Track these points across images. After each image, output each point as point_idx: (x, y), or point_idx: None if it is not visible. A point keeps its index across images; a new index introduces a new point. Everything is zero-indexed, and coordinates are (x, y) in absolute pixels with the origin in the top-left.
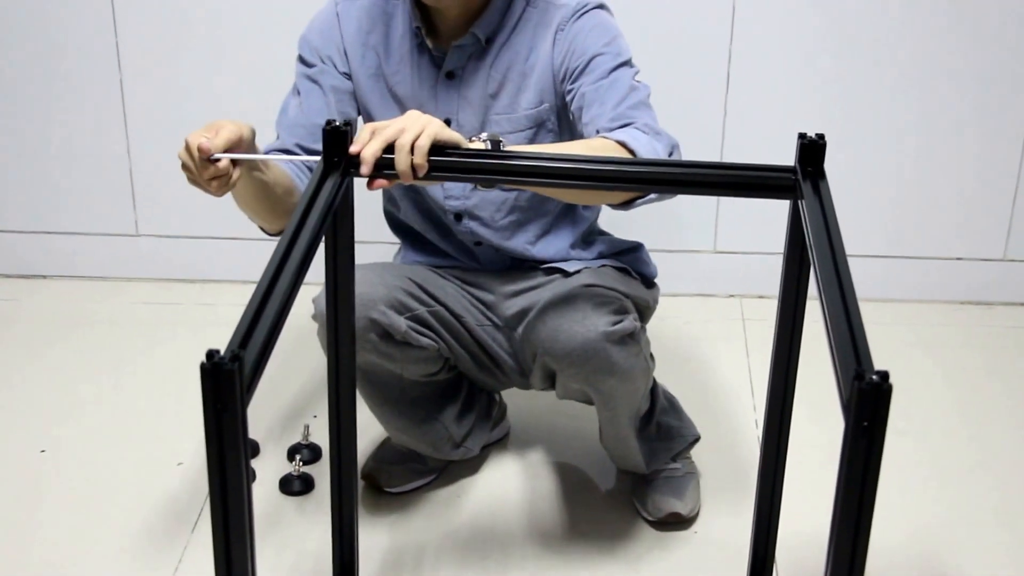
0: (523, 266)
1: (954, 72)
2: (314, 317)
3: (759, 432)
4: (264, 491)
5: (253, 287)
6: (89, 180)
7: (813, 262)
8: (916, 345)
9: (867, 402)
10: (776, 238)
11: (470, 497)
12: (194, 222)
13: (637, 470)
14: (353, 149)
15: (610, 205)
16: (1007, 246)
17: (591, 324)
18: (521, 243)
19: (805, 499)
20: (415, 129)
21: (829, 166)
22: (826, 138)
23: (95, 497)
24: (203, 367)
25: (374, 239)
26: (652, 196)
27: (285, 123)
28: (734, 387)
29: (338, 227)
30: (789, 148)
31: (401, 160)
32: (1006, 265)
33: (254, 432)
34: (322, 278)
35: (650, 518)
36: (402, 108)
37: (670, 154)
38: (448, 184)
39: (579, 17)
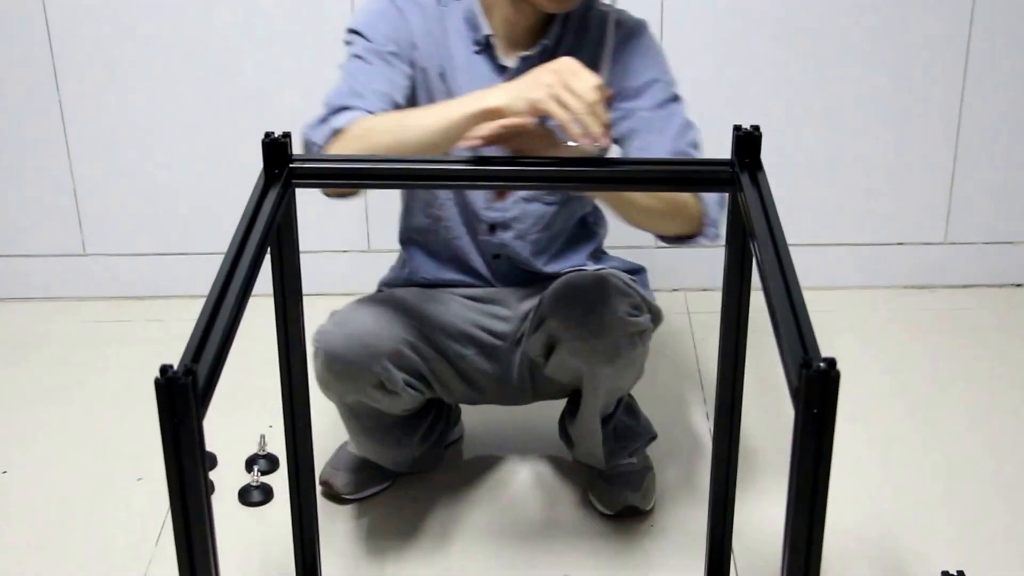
0: (535, 279)
1: (888, 58)
2: (316, 353)
3: (711, 424)
4: (224, 502)
5: (203, 301)
6: (34, 202)
7: (756, 253)
8: (862, 331)
9: (816, 390)
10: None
11: (428, 499)
12: (141, 239)
13: (596, 464)
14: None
15: (660, 237)
16: (947, 229)
17: (614, 304)
18: (544, 258)
19: (759, 487)
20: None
21: (766, 156)
22: (762, 129)
23: (58, 515)
24: (157, 382)
25: (318, 248)
26: (705, 240)
27: (364, 84)
28: (684, 381)
29: (282, 238)
30: (725, 141)
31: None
32: (947, 248)
33: (210, 444)
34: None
35: (607, 512)
36: None
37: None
38: (489, 194)
39: (636, 36)
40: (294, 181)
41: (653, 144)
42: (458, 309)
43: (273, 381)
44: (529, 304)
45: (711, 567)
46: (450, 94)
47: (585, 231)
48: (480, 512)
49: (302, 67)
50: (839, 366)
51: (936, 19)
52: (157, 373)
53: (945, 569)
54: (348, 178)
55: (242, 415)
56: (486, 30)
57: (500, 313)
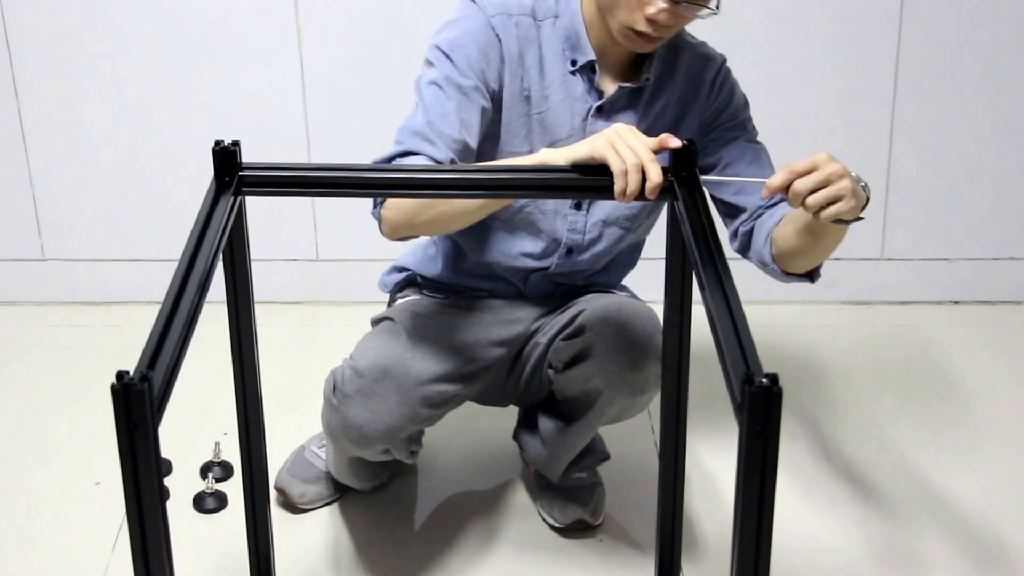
0: (559, 291)
1: (820, 73)
2: (333, 409)
3: (655, 438)
4: (178, 509)
5: (159, 307)
6: None
7: (696, 267)
8: (801, 347)
9: (759, 406)
10: (655, 243)
11: (380, 511)
12: (99, 245)
13: (551, 475)
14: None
15: (788, 275)
16: (883, 246)
17: (657, 343)
18: (593, 279)
19: (707, 503)
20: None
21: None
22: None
23: (15, 518)
24: (114, 388)
25: (268, 257)
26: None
27: (437, 127)
28: None
29: (234, 246)
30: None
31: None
32: (884, 264)
33: (165, 450)
34: (292, 294)
35: (556, 525)
36: (548, 135)
37: None
38: (572, 216)
39: (727, 73)
40: (244, 189)
41: (754, 176)
42: (478, 333)
43: (227, 388)
44: (543, 308)
45: None
46: (536, 114)
47: (633, 258)
48: (430, 524)
49: (256, 76)
50: (780, 382)
51: (865, 37)
52: (113, 379)
53: None
54: (298, 187)
55: (197, 422)
56: (590, 54)
57: (514, 316)
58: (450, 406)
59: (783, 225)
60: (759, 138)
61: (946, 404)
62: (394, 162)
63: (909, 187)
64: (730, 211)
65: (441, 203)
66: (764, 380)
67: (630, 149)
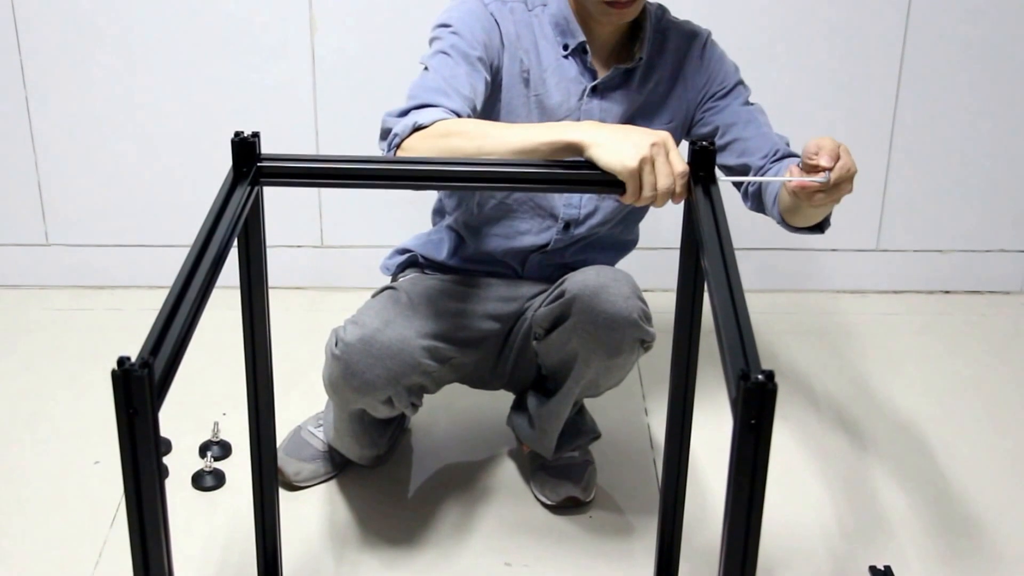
0: (556, 274)
1: (822, 67)
2: (335, 360)
3: (648, 420)
4: (177, 487)
5: (163, 292)
6: None
7: (705, 267)
8: (796, 333)
9: (753, 401)
10: (668, 232)
11: (375, 489)
12: (103, 231)
13: (544, 452)
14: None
15: (798, 228)
16: (879, 237)
17: (632, 306)
18: (588, 259)
19: (704, 488)
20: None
21: None
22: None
23: (15, 497)
24: (114, 374)
25: (272, 243)
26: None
27: (449, 83)
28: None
29: (249, 235)
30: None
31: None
32: (878, 255)
33: (166, 429)
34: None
35: (548, 502)
36: (547, 117)
37: None
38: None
39: (712, 46)
40: (262, 179)
41: (753, 136)
42: (475, 305)
43: (228, 369)
44: (538, 288)
45: (660, 564)
46: (534, 96)
47: (629, 238)
48: (425, 502)
49: (266, 66)
50: (774, 367)
51: (870, 31)
52: (114, 364)
53: (873, 564)
54: (316, 177)
55: (197, 402)
56: (580, 36)
57: (510, 294)
58: (447, 370)
59: (784, 189)
60: (752, 98)
61: (932, 390)
62: (412, 113)
63: (907, 181)
64: (736, 173)
65: (459, 152)
66: (760, 376)
67: (662, 174)
